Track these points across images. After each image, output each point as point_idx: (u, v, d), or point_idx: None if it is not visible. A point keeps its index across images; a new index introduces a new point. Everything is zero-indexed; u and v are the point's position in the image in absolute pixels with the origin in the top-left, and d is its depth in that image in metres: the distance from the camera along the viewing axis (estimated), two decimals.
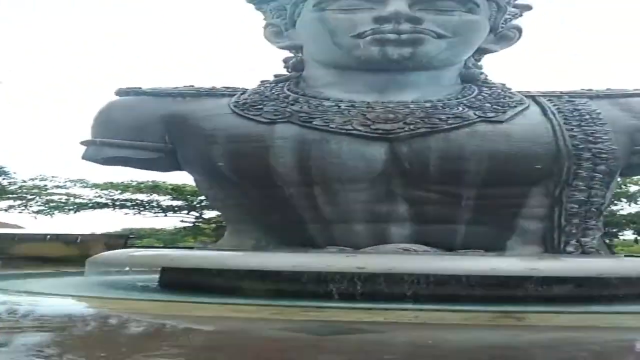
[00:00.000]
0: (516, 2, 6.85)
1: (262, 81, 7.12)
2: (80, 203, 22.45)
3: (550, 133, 6.24)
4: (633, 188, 18.21)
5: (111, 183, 21.83)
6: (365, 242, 6.26)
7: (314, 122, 6.29)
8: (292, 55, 7.24)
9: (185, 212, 22.75)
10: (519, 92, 6.85)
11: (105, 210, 22.61)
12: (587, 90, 6.95)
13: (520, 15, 6.95)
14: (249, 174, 6.31)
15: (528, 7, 6.98)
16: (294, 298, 4.81)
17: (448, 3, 6.30)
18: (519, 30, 6.90)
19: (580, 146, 6.20)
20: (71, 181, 22.34)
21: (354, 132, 6.13)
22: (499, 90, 6.78)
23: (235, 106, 6.65)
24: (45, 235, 14.66)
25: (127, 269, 6.74)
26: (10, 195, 22.09)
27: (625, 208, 18.88)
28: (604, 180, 6.28)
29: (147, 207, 22.58)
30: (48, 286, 6.54)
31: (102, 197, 22.45)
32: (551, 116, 6.45)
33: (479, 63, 7.12)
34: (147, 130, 6.78)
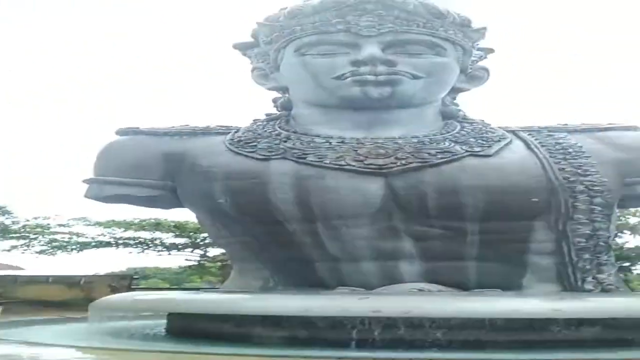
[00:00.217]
0: (480, 45, 7.20)
1: (254, 120, 7.29)
2: (83, 242, 22.21)
3: (539, 166, 6.32)
4: (633, 219, 18.08)
5: (114, 221, 21.69)
6: (376, 281, 6.19)
7: (308, 158, 6.36)
8: (280, 95, 7.46)
9: (189, 249, 22.47)
10: (498, 127, 7.02)
11: (109, 249, 22.37)
12: (562, 125, 7.13)
13: (485, 57, 7.31)
14: (250, 210, 6.33)
15: (491, 50, 7.34)
16: (308, 345, 4.63)
17: (417, 47, 6.61)
18: (487, 70, 7.26)
19: (572, 179, 6.25)
20: (74, 219, 22.20)
21: (348, 167, 6.21)
22: (480, 126, 6.96)
23: (230, 143, 6.77)
24: (48, 277, 14.44)
25: (132, 314, 6.60)
26: (14, 235, 21.91)
27: (630, 240, 18.72)
28: (603, 212, 6.26)
29: (151, 245, 22.34)
30: (51, 335, 6.38)
31: (105, 236, 22.24)
32: (536, 150, 6.55)
33: (455, 101, 7.42)
34: (148, 168, 6.86)
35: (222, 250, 13.59)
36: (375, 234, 6.20)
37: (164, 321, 6.54)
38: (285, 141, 6.68)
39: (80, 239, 22.13)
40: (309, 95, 7.03)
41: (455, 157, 6.34)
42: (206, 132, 7.15)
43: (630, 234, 18.48)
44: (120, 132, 7.37)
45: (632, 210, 16.69)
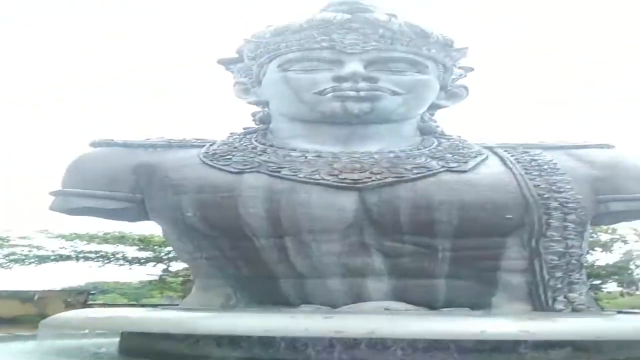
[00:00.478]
0: (460, 64, 7.34)
1: (231, 133, 7.25)
2: (43, 256, 21.68)
3: (514, 182, 6.31)
4: (604, 237, 18.33)
5: (76, 234, 21.24)
6: (342, 299, 6.08)
7: (283, 172, 6.30)
8: (259, 109, 7.48)
9: (152, 264, 22.10)
10: (475, 143, 7.06)
11: (69, 262, 21.87)
12: (538, 142, 7.18)
13: (465, 76, 7.44)
14: (218, 224, 6.21)
15: (471, 69, 7.47)
16: None
17: (400, 65, 6.69)
18: (466, 88, 7.38)
19: (546, 195, 6.23)
20: (36, 232, 21.65)
21: (322, 181, 6.15)
22: (457, 142, 7.01)
23: (204, 156, 6.68)
24: (0, 292, 13.90)
25: (85, 331, 6.23)
26: None
27: (601, 258, 18.99)
28: (577, 230, 6.23)
29: (112, 259, 21.92)
30: None
31: (66, 249, 21.75)
32: (511, 166, 6.55)
33: (433, 117, 7.51)
34: (117, 181, 6.74)
35: (185, 265, 13.37)
36: (345, 249, 6.11)
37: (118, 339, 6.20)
38: (260, 154, 6.64)
39: (40, 252, 21.61)
40: (289, 109, 7.03)
41: (431, 172, 6.31)
42: (182, 144, 7.08)
43: (602, 251, 18.76)
44: (93, 144, 7.26)
45: (604, 227, 16.93)
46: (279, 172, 6.34)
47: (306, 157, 6.56)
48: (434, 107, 7.39)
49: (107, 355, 6.08)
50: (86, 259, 21.56)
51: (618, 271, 19.23)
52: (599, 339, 4.96)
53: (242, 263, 6.37)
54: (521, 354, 4.86)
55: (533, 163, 6.69)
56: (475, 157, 6.69)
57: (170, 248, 17.84)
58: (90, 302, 15.98)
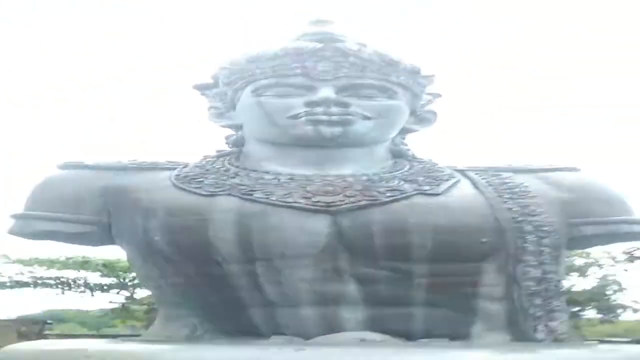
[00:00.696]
0: (428, 91, 7.55)
1: (204, 156, 7.20)
2: None
3: (486, 205, 6.30)
4: (579, 261, 18.38)
5: (36, 258, 20.58)
6: (315, 329, 5.88)
7: (255, 195, 6.20)
8: (233, 133, 7.50)
9: (116, 290, 21.49)
10: (446, 166, 7.11)
11: (26, 289, 21.13)
12: (507, 165, 7.23)
13: (433, 101, 7.62)
14: (186, 248, 6.04)
15: (438, 95, 7.65)
16: None
17: (370, 91, 6.82)
18: (435, 113, 7.56)
19: (519, 219, 6.19)
20: None
21: (295, 204, 6.06)
22: (429, 165, 7.07)
23: (176, 179, 6.57)
24: None
25: None
26: None
27: (577, 283, 18.98)
28: (552, 254, 6.15)
29: (73, 285, 21.26)
30: None
31: (23, 275, 21.04)
32: (483, 189, 6.56)
33: (404, 141, 7.59)
34: (82, 204, 6.58)
35: (150, 292, 12.96)
36: (318, 275, 5.95)
37: None
38: (233, 177, 6.58)
39: None
40: (262, 133, 7.05)
41: (404, 195, 6.27)
42: (153, 167, 6.99)
43: (579, 276, 18.76)
44: (61, 166, 7.08)
45: (579, 251, 16.96)
46: (251, 194, 6.25)
47: (279, 179, 6.50)
48: (404, 131, 7.49)
49: None
50: (45, 285, 20.84)
51: (595, 297, 19.27)
52: None
53: (208, 290, 6.13)
54: None
55: (504, 186, 6.69)
56: (447, 180, 6.71)
57: (134, 274, 17.35)
58: (46, 332, 15.40)
